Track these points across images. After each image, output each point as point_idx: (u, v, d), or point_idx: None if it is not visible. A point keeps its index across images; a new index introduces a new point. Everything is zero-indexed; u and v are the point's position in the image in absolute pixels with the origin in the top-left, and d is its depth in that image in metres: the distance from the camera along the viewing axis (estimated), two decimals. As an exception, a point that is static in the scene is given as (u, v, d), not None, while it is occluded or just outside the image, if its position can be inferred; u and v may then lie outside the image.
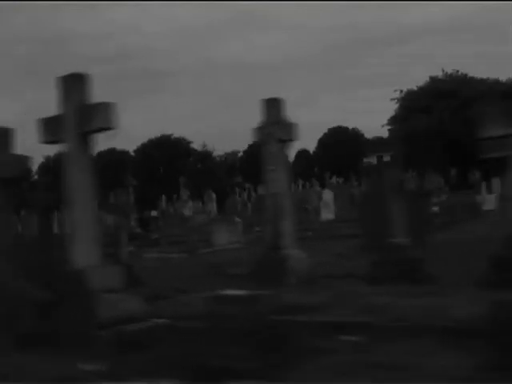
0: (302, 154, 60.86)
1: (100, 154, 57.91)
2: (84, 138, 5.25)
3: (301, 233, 16.19)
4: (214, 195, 31.90)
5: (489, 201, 19.94)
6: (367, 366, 4.26)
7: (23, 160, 6.02)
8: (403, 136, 34.32)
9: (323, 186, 37.74)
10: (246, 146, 61.34)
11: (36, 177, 58.48)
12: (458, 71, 36.18)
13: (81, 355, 4.59)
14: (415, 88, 35.81)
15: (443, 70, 36.32)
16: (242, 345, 4.16)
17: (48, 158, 57.00)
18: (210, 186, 35.49)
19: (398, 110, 35.43)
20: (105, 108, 5.12)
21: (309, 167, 57.56)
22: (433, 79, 35.75)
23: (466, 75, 35.76)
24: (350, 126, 63.45)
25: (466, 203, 18.26)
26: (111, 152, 56.21)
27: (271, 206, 7.65)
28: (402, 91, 35.71)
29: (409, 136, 34.17)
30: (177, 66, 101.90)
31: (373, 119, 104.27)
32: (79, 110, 5.22)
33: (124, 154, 58.07)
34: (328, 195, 26.79)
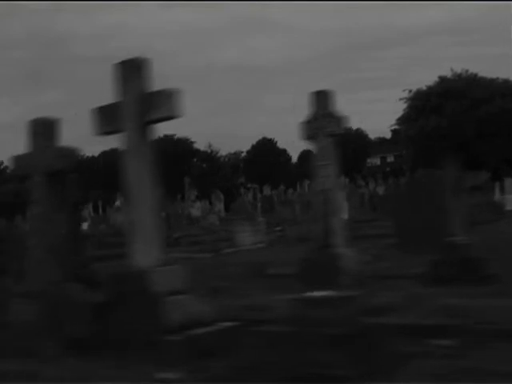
0: (306, 155, 60.52)
1: (104, 153, 57.63)
2: (145, 128, 4.89)
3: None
4: (222, 195, 31.53)
5: (509, 201, 19.61)
6: (466, 371, 3.93)
7: (71, 152, 5.64)
8: (413, 136, 34.02)
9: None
10: (249, 147, 61.13)
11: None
12: (467, 71, 35.87)
13: (150, 362, 4.24)
14: (424, 88, 35.46)
15: (452, 70, 36.04)
16: (331, 350, 3.81)
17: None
18: (217, 187, 35.10)
19: (407, 110, 35.04)
20: (168, 95, 4.75)
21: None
22: (442, 79, 35.40)
23: (475, 75, 35.44)
24: (353, 127, 63.20)
25: (488, 203, 17.92)
26: (113, 152, 55.81)
27: (321, 202, 7.29)
28: (410, 91, 35.38)
29: (418, 136, 33.86)
30: (176, 68, 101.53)
31: (374, 120, 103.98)
32: (140, 97, 4.85)
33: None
34: (340, 195, 26.44)
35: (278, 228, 16.00)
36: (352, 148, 57.96)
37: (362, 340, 3.89)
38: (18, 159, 5.85)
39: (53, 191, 5.68)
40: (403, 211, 9.73)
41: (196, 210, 30.20)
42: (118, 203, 32.43)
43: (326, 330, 3.87)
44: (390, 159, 62.36)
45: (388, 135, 71.22)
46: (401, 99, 35.57)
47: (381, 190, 31.27)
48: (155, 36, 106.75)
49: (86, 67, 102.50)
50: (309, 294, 4.17)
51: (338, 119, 7.27)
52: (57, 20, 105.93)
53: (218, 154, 55.51)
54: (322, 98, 7.27)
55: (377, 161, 64.39)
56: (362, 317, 4.16)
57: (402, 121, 35.95)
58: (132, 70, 4.91)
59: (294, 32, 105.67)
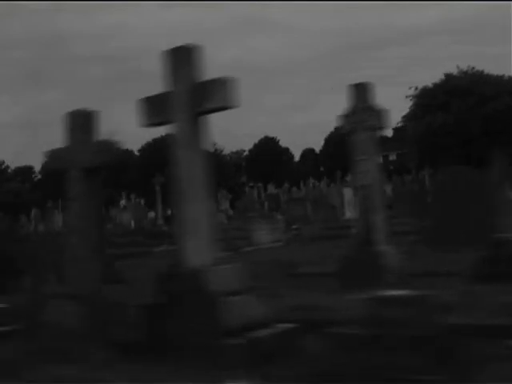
0: (308, 153, 60.40)
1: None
2: (197, 118, 4.63)
3: (344, 230, 15.62)
4: (229, 194, 31.25)
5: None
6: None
7: (110, 146, 5.37)
8: (420, 134, 33.81)
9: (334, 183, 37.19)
10: (250, 146, 60.89)
11: (39, 176, 57.70)
12: (473, 68, 35.64)
13: (210, 367, 3.98)
14: (430, 85, 35.23)
15: (458, 67, 35.81)
16: (411, 353, 3.56)
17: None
18: (223, 185, 34.83)
19: (414, 108, 34.82)
20: (222, 84, 4.49)
21: (315, 166, 57.03)
22: (448, 76, 35.18)
23: (481, 72, 35.22)
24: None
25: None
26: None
27: (361, 199, 7.03)
28: (416, 88, 35.14)
29: (425, 133, 33.66)
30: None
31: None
32: (192, 87, 4.59)
33: (128, 153, 57.34)
34: (349, 193, 26.22)
35: (294, 226, 15.75)
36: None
37: (442, 342, 3.65)
38: (54, 153, 5.59)
39: (91, 188, 5.43)
40: (437, 208, 9.48)
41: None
42: (122, 202, 32.17)
43: (405, 332, 3.62)
44: (393, 157, 62.12)
45: (389, 133, 71.15)
46: (407, 97, 35.35)
47: (388, 188, 31.01)
48: (155, 36, 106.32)
49: (86, 67, 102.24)
50: (379, 293, 3.91)
51: (377, 112, 7.01)
52: (57, 20, 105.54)
53: (223, 153, 55.23)
54: (360, 91, 7.01)
55: (380, 159, 64.10)
56: (435, 317, 3.93)
57: (408, 118, 35.72)
58: (182, 58, 4.65)
59: (294, 32, 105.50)
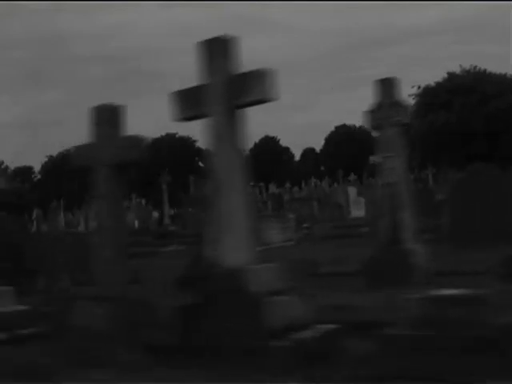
0: (309, 152, 60.24)
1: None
2: (234, 112, 4.47)
3: (354, 229, 15.46)
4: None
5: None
6: None
7: (138, 142, 5.19)
8: (422, 132, 33.68)
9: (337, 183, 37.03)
10: (250, 145, 60.71)
11: (39, 176, 57.48)
12: (475, 67, 35.53)
13: (255, 370, 3.81)
14: (433, 84, 35.11)
15: (461, 66, 35.69)
16: (474, 355, 3.41)
17: (51, 158, 55.98)
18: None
19: (416, 107, 34.64)
20: (261, 76, 4.33)
21: (316, 166, 56.86)
22: (451, 75, 35.06)
23: (484, 70, 35.11)
24: (356, 125, 62.80)
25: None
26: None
27: (387, 196, 6.87)
28: (419, 87, 35.01)
29: (428, 132, 33.53)
30: (171, 67, 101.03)
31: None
32: (229, 79, 4.43)
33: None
34: (353, 192, 26.09)
35: (304, 225, 15.58)
36: (356, 145, 57.63)
37: (507, 343, 3.49)
38: (79, 150, 5.42)
39: (118, 185, 5.26)
40: (457, 206, 9.31)
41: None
42: (125, 203, 31.89)
43: (465, 332, 3.47)
44: (393, 157, 61.92)
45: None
46: (409, 95, 35.20)
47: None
48: (155, 36, 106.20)
49: (86, 67, 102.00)
50: (432, 292, 3.76)
51: (405, 108, 6.87)
52: (57, 20, 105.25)
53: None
54: (387, 86, 6.86)
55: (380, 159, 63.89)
56: (489, 317, 3.77)
57: (410, 117, 35.54)
58: (218, 50, 4.48)
59: (294, 32, 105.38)
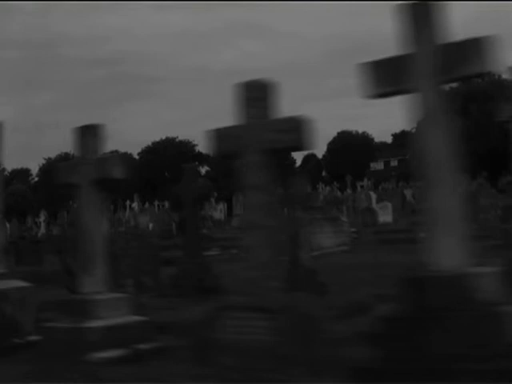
0: (310, 158, 59.53)
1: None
2: (442, 87, 3.75)
3: (398, 234, 14.74)
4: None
5: None
6: None
7: (298, 124, 4.37)
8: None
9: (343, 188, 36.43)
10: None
11: (36, 179, 56.28)
12: (489, 72, 35.05)
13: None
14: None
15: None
16: None
17: (49, 160, 54.86)
18: (236, 189, 33.86)
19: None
20: (479, 45, 3.61)
21: (317, 171, 56.26)
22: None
23: (499, 76, 34.72)
24: (357, 131, 62.32)
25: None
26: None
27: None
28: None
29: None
30: (168, 72, 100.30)
31: (373, 124, 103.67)
32: (439, 48, 3.70)
33: (127, 156, 56.11)
34: (374, 198, 25.46)
35: (353, 230, 14.87)
36: (357, 151, 57.16)
37: None
38: (222, 133, 4.63)
39: (271, 174, 4.48)
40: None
41: (219, 212, 28.92)
42: (134, 205, 31.05)
43: None
44: (394, 163, 61.55)
45: (389, 139, 70.71)
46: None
47: (408, 193, 30.29)
48: (151, 38, 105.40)
49: (81, 70, 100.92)
50: None
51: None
52: (50, 22, 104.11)
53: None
54: None
55: (380, 165, 63.52)
56: None
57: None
58: (425, 15, 3.75)
59: (291, 37, 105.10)
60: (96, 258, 5.10)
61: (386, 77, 3.84)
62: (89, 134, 5.24)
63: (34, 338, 5.53)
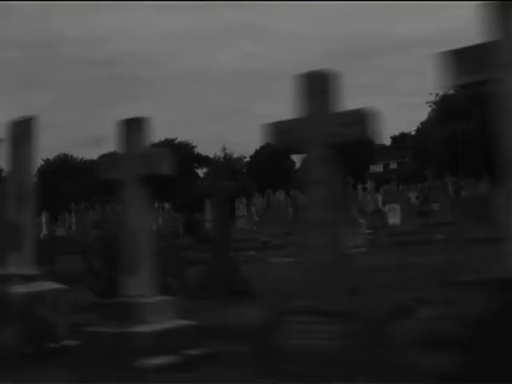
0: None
1: (103, 156, 55.73)
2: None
3: (411, 237, 14.54)
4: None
5: None
6: None
7: (362, 117, 4.14)
8: (440, 141, 33.06)
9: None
10: (252, 152, 59.82)
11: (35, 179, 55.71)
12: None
13: None
14: (451, 92, 34.52)
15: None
16: None
17: (47, 161, 54.53)
18: (237, 192, 33.62)
19: (434, 114, 34.03)
20: None
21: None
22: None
23: (503, 79, 34.56)
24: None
25: None
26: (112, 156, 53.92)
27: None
28: (437, 94, 34.36)
29: (447, 140, 32.91)
30: (168, 73, 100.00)
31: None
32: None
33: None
34: (380, 200, 25.28)
35: (369, 231, 14.67)
36: (356, 154, 56.91)
37: None
38: (281, 127, 4.39)
39: (336, 169, 4.24)
40: None
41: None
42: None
43: None
44: (393, 166, 61.48)
45: (387, 142, 70.61)
46: (427, 103, 34.62)
47: (413, 196, 30.12)
48: (151, 39, 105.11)
49: (80, 70, 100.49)
50: None
51: None
52: (50, 22, 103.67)
53: (234, 157, 54.06)
54: None
55: (379, 168, 63.44)
56: None
57: (429, 124, 34.93)
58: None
59: (290, 39, 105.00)
60: (141, 259, 4.85)
61: (469, 65, 3.61)
62: (133, 127, 4.99)
63: (69, 342, 5.27)
